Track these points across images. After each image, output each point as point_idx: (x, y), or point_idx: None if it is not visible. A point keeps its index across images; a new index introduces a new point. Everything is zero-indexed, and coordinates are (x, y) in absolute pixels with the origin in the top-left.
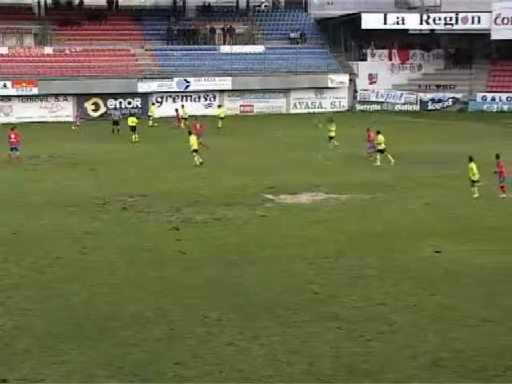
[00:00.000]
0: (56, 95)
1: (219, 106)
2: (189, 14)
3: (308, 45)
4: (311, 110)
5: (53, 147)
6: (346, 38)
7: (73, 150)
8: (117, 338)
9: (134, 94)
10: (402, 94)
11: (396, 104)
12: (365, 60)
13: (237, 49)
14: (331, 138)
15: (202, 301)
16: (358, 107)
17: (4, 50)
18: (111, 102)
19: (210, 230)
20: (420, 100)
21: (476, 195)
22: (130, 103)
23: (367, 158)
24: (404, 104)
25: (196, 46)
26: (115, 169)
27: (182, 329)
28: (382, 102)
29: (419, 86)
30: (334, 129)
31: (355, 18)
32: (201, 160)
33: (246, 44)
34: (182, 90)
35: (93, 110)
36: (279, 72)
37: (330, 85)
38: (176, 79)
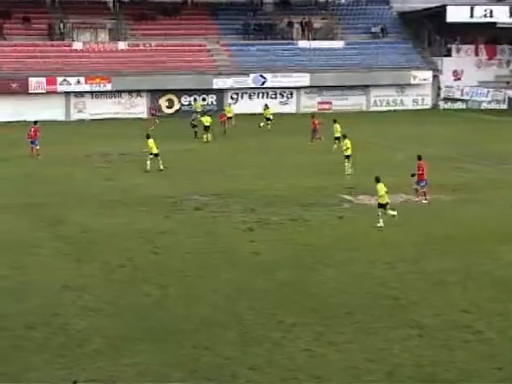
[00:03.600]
0: (130, 91)
1: (266, 107)
2: (266, 8)
3: (389, 39)
4: (392, 108)
5: (125, 144)
6: (430, 32)
7: (143, 148)
8: (189, 340)
9: (209, 91)
10: (488, 92)
11: (482, 102)
12: (449, 55)
13: (315, 44)
14: (337, 138)
15: (276, 304)
16: (442, 105)
17: (78, 46)
18: (185, 99)
19: (285, 232)
20: (508, 98)
21: None
22: (204, 100)
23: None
24: (490, 102)
25: (273, 41)
26: (188, 167)
27: (256, 333)
28: (467, 100)
29: (507, 82)
30: (339, 130)
31: (440, 11)
32: (161, 167)
33: (324, 39)
34: (258, 87)
35: (167, 107)
36: (359, 68)
37: (412, 81)
38: (252, 75)
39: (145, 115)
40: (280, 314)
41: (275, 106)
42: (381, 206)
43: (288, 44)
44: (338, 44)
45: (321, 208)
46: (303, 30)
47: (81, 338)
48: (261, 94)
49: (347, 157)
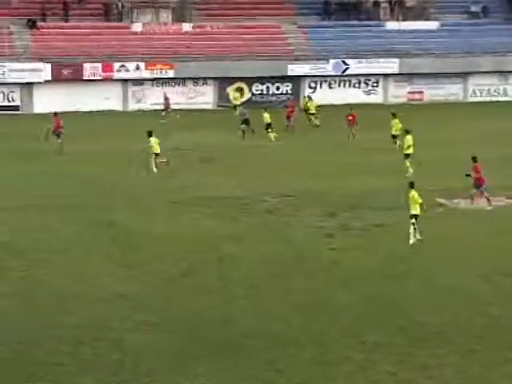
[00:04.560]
0: (195, 79)
1: (309, 98)
2: None
3: (491, 20)
4: (494, 99)
5: (188, 139)
6: None
7: (209, 143)
8: (258, 359)
9: (284, 78)
10: None
11: None
12: None
13: (406, 25)
14: (394, 136)
15: (358, 321)
16: None
17: (138, 27)
18: (257, 87)
19: (369, 239)
20: None
21: None
22: (278, 88)
23: None
24: None
25: (357, 22)
26: (257, 165)
27: (335, 353)
28: None
29: None
30: (398, 126)
31: None
32: (156, 169)
33: (416, 19)
34: (338, 74)
35: (236, 96)
36: (456, 53)
37: None
38: (332, 61)
39: (211, 106)
40: (362, 332)
41: (359, 97)
42: (412, 217)
43: (374, 25)
44: (432, 25)
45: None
46: (392, 10)
47: (135, 355)
48: (342, 83)
49: (407, 156)
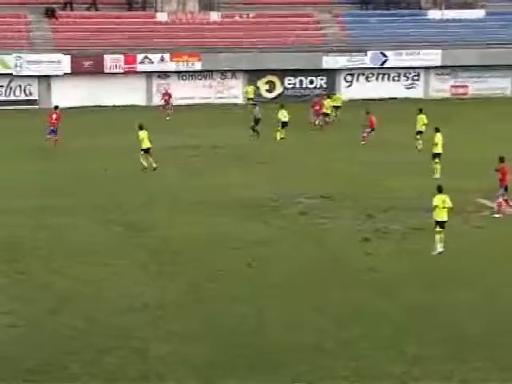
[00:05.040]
0: (223, 71)
1: (332, 95)
2: None
3: None
4: None
5: (216, 135)
6: None
7: (238, 140)
8: (290, 372)
9: (318, 71)
10: None
11: None
12: None
13: (449, 14)
14: (419, 132)
15: (397, 332)
16: None
17: (163, 17)
18: (289, 81)
19: (408, 243)
20: None
21: None
22: (312, 82)
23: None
24: None
25: (397, 11)
26: (291, 163)
27: (373, 365)
28: None
29: None
30: (424, 122)
31: None
32: (154, 165)
33: (461, 7)
34: (377, 67)
35: (266, 91)
36: (503, 43)
37: None
38: (370, 53)
39: (240, 100)
40: (402, 344)
41: (398, 90)
42: (437, 224)
43: (415, 14)
44: (478, 14)
45: (453, 215)
46: None
47: (161, 366)
48: (380, 76)
49: (436, 155)
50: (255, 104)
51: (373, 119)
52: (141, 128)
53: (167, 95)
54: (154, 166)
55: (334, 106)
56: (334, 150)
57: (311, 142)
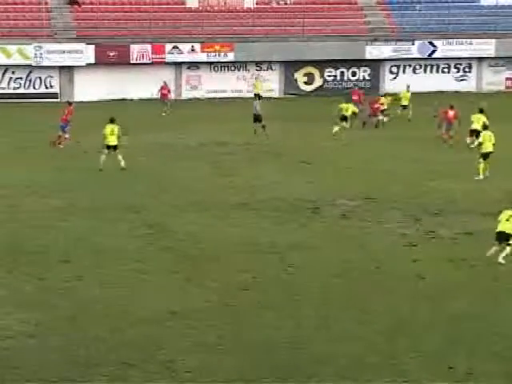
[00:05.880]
0: (258, 63)
1: (393, 94)
2: None
3: None
4: None
5: (250, 132)
6: None
7: (275, 135)
8: None
9: (361, 62)
10: None
11: None
12: None
13: (504, 0)
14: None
15: (446, 344)
16: None
17: (193, 3)
18: (330, 73)
19: (459, 249)
20: None
21: None
22: (354, 74)
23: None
24: None
25: None
26: (331, 162)
27: (420, 381)
28: None
29: None
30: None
31: None
32: (122, 165)
33: None
34: (425, 57)
35: (305, 83)
36: None
37: None
38: (418, 42)
39: (277, 94)
40: (451, 358)
41: (448, 83)
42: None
43: (467, 1)
44: None
45: None
46: None
47: (190, 380)
48: (429, 68)
49: (483, 156)
50: (259, 98)
51: (451, 114)
52: (112, 121)
53: (165, 89)
54: (122, 165)
55: (402, 105)
56: (380, 147)
57: (356, 140)
